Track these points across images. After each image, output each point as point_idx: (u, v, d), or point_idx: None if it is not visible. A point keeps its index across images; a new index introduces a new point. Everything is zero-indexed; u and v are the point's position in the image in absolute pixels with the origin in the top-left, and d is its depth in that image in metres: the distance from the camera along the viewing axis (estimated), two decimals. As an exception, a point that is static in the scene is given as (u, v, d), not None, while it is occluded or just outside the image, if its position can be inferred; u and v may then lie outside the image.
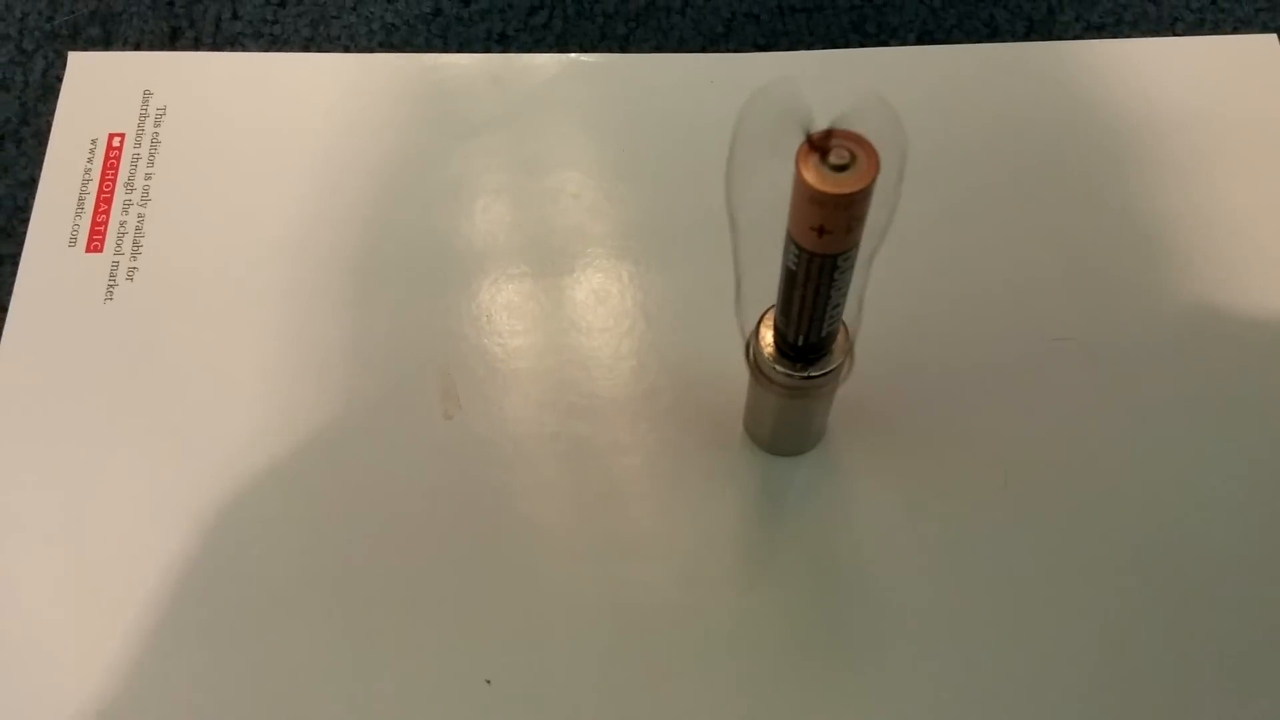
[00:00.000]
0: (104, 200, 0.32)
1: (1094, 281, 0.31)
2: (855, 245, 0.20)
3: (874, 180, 0.18)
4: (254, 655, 0.27)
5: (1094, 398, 0.29)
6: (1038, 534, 0.28)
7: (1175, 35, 0.35)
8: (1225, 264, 0.31)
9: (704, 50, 0.35)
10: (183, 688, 0.27)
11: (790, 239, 0.20)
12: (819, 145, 0.19)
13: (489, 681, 0.26)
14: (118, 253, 0.32)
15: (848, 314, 0.24)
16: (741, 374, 0.27)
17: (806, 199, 0.19)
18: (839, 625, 0.27)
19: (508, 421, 0.29)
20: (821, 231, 0.19)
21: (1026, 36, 0.35)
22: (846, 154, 0.18)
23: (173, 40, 0.36)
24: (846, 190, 0.18)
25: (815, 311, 0.22)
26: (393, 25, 0.36)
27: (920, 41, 0.35)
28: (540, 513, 0.28)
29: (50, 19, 0.36)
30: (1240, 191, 0.32)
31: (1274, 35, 0.35)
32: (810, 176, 0.18)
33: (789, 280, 0.21)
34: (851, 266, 0.21)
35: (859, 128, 0.19)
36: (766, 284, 0.23)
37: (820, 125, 0.18)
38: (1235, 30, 0.35)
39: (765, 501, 0.28)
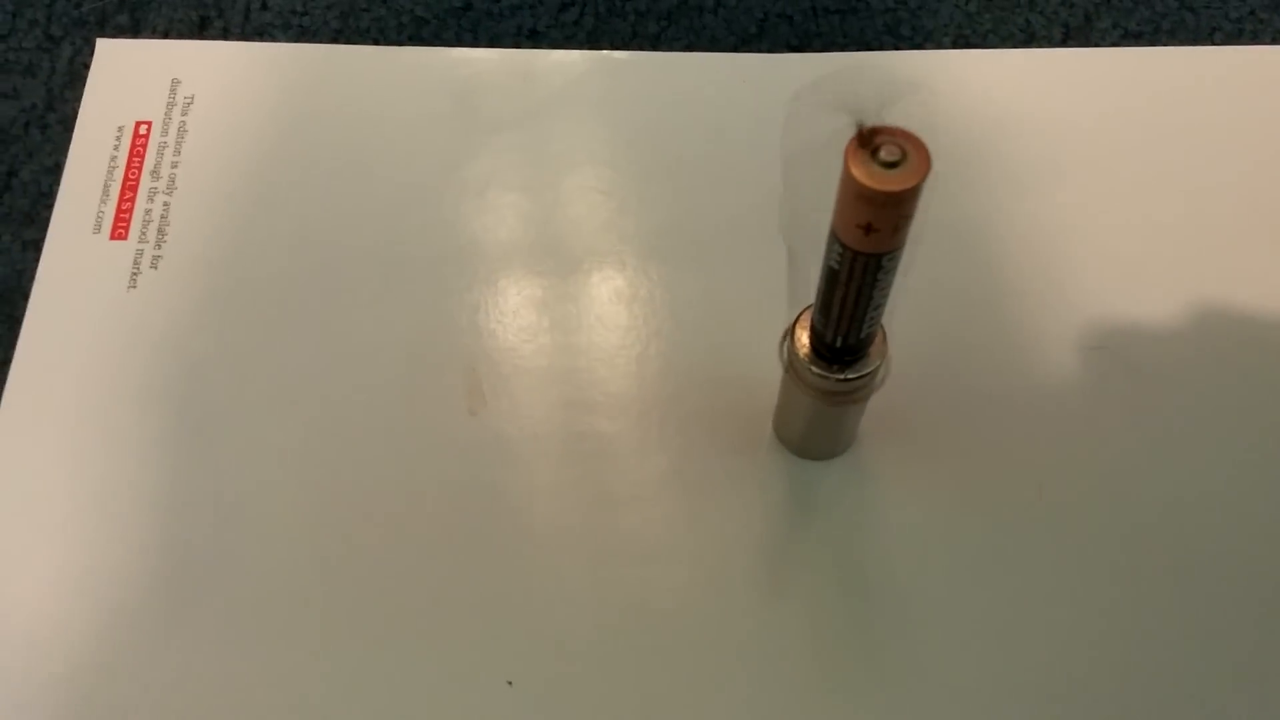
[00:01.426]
0: (129, 188, 0.32)
1: (1132, 290, 0.30)
2: (901, 245, 0.20)
3: (925, 178, 0.18)
4: (272, 653, 0.26)
5: (1131, 407, 0.29)
6: (1073, 546, 0.27)
7: (1214, 44, 0.35)
8: (1267, 273, 0.31)
9: (736, 50, 0.35)
10: (196, 684, 0.26)
11: (834, 236, 0.20)
12: (868, 141, 0.18)
13: (511, 683, 0.26)
14: (142, 240, 0.31)
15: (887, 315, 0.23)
16: (770, 376, 0.27)
17: (854, 196, 0.18)
18: (866, 635, 0.27)
19: (532, 420, 0.29)
20: (869, 230, 0.19)
21: (1063, 43, 0.35)
22: (897, 150, 0.18)
23: (201, 29, 0.35)
24: (897, 188, 0.18)
25: (856, 312, 0.22)
26: (422, 19, 0.36)
27: (955, 46, 0.35)
28: (564, 513, 0.28)
29: (78, 6, 0.36)
30: (1280, 203, 0.32)
31: (1314, 46, 0.34)
32: (859, 173, 0.18)
33: (830, 279, 0.21)
34: (896, 267, 0.21)
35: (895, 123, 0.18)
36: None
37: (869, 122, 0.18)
38: (1274, 40, 0.35)
39: (793, 507, 0.28)
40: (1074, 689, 0.26)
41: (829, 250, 0.21)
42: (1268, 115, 0.33)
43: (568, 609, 0.27)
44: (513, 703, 0.26)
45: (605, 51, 0.35)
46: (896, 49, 0.35)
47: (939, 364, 0.29)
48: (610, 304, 0.31)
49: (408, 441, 0.29)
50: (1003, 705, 0.26)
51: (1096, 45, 0.35)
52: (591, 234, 0.32)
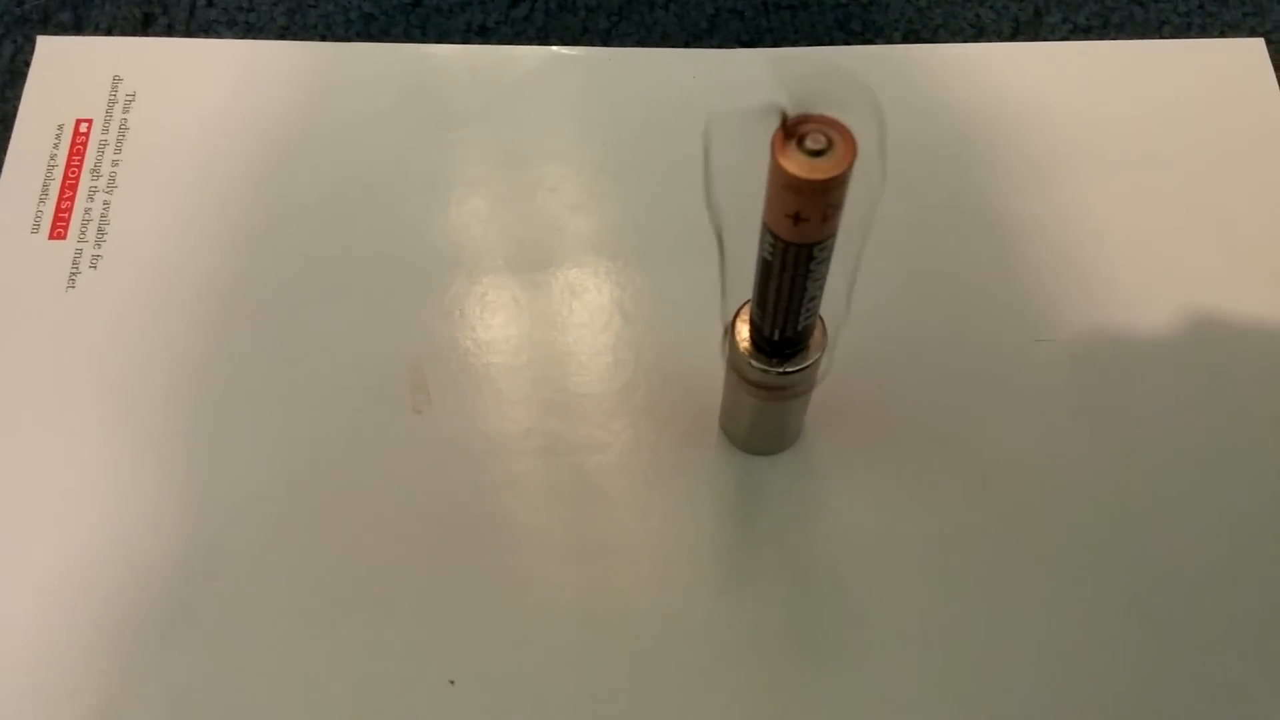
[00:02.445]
0: (69, 187, 0.32)
1: (1077, 283, 0.30)
2: (832, 235, 0.20)
3: (851, 166, 0.18)
4: (212, 653, 0.26)
5: (1075, 400, 0.29)
6: (1017, 536, 0.27)
7: (1162, 38, 0.35)
8: (1211, 267, 0.31)
9: (687, 46, 0.35)
10: (137, 684, 0.26)
11: (766, 228, 0.20)
12: (794, 130, 0.18)
13: (452, 682, 0.26)
14: (81, 240, 0.31)
15: (834, 312, 0.23)
16: (719, 371, 0.26)
17: (782, 185, 0.18)
18: (815, 628, 0.26)
19: (479, 417, 0.29)
20: (797, 219, 0.19)
21: (1013, 37, 0.35)
22: (823, 139, 0.18)
23: (145, 26, 0.35)
24: (823, 176, 0.18)
25: (791, 304, 0.21)
26: (371, 15, 0.35)
27: (906, 40, 0.35)
28: (510, 510, 0.28)
29: (20, 3, 0.35)
30: (1228, 194, 0.32)
31: (1261, 40, 0.35)
32: (786, 162, 0.18)
33: (764, 271, 0.21)
34: (828, 257, 0.20)
35: (837, 114, 0.18)
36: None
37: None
38: (1222, 34, 0.35)
39: (741, 502, 0.28)
40: (1019, 681, 0.26)
41: (761, 242, 0.20)
42: (1216, 109, 0.33)
43: (511, 606, 0.27)
44: (455, 701, 0.26)
45: (555, 47, 0.34)
46: (847, 44, 0.35)
47: (884, 358, 0.29)
48: (558, 300, 0.30)
49: (351, 439, 0.28)
50: (948, 697, 0.26)
51: (1045, 39, 0.35)
52: (540, 230, 0.31)
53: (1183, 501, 0.28)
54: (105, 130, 0.32)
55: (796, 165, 0.18)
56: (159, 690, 0.26)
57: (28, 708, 0.25)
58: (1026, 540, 0.27)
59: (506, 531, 0.27)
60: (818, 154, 0.18)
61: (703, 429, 0.29)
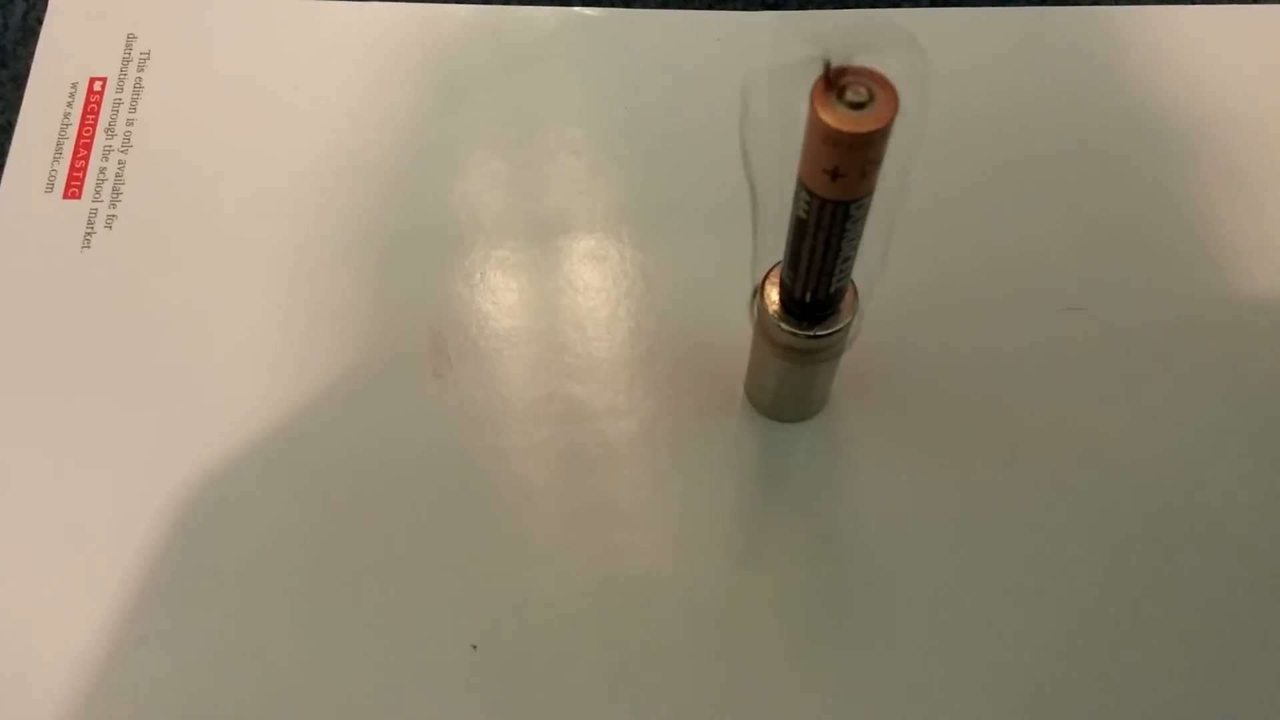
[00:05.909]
0: (83, 145, 0.31)
1: (1109, 252, 0.30)
2: (869, 192, 0.19)
3: (892, 119, 0.17)
4: (233, 619, 0.26)
5: (1106, 369, 0.28)
6: (1045, 507, 0.27)
7: (1203, 4, 0.34)
8: (1245, 238, 0.30)
9: (710, 8, 0.34)
10: (158, 651, 0.26)
11: (801, 184, 0.19)
12: (835, 82, 0.17)
13: (475, 647, 0.25)
14: (96, 199, 0.30)
15: (866, 275, 0.23)
16: (743, 337, 0.26)
17: (820, 139, 0.18)
18: (839, 599, 0.26)
19: (500, 382, 0.28)
20: (835, 175, 0.18)
21: (1045, 1, 0.34)
22: (864, 91, 0.17)
23: (160, -16, 0.34)
24: (864, 129, 0.17)
25: (825, 265, 0.21)
26: (389, -26, 0.35)
27: (935, 4, 0.34)
28: (531, 476, 0.27)
29: (33, -41, 0.35)
30: (1263, 165, 0.31)
31: (1295, 6, 0.34)
32: (825, 114, 0.17)
33: (798, 230, 0.20)
34: (864, 216, 0.20)
35: (877, 64, 0.18)
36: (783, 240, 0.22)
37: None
38: (1265, 0, 0.34)
39: (765, 470, 0.27)
40: (1047, 653, 0.26)
41: (796, 200, 0.20)
42: (1251, 76, 0.32)
43: (534, 573, 0.26)
44: (477, 666, 0.25)
45: (577, 8, 0.34)
46: (874, 7, 0.34)
47: (912, 324, 0.29)
48: (580, 265, 0.30)
49: (371, 404, 0.28)
50: (975, 668, 0.25)
51: (1080, 4, 0.34)
52: (561, 195, 0.31)
53: (1215, 473, 0.27)
54: (120, 88, 0.32)
55: (837, 118, 0.17)
56: (178, 658, 0.25)
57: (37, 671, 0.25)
58: (1055, 511, 0.27)
59: (527, 498, 0.27)
60: (859, 106, 0.17)
61: (727, 395, 0.28)
